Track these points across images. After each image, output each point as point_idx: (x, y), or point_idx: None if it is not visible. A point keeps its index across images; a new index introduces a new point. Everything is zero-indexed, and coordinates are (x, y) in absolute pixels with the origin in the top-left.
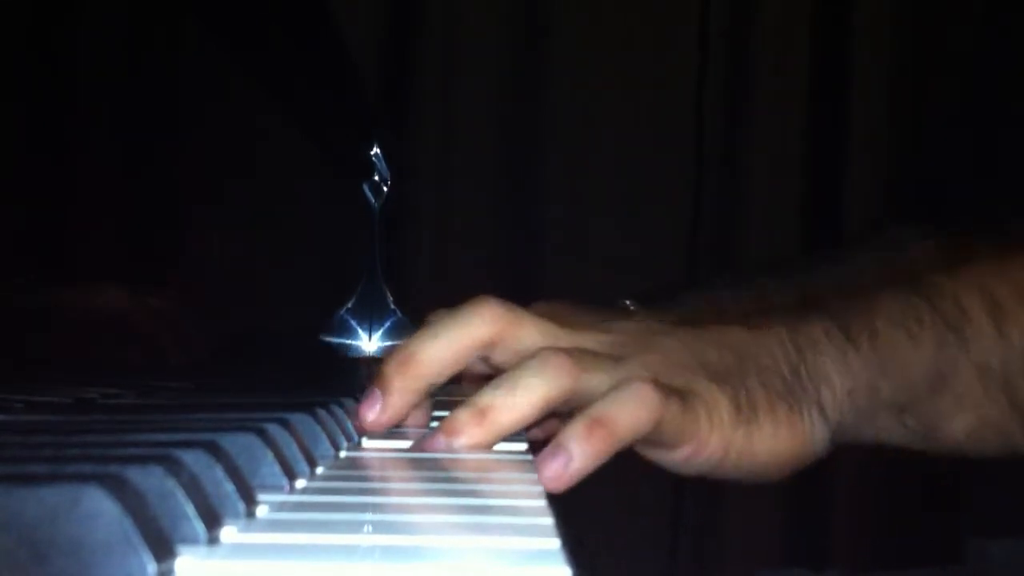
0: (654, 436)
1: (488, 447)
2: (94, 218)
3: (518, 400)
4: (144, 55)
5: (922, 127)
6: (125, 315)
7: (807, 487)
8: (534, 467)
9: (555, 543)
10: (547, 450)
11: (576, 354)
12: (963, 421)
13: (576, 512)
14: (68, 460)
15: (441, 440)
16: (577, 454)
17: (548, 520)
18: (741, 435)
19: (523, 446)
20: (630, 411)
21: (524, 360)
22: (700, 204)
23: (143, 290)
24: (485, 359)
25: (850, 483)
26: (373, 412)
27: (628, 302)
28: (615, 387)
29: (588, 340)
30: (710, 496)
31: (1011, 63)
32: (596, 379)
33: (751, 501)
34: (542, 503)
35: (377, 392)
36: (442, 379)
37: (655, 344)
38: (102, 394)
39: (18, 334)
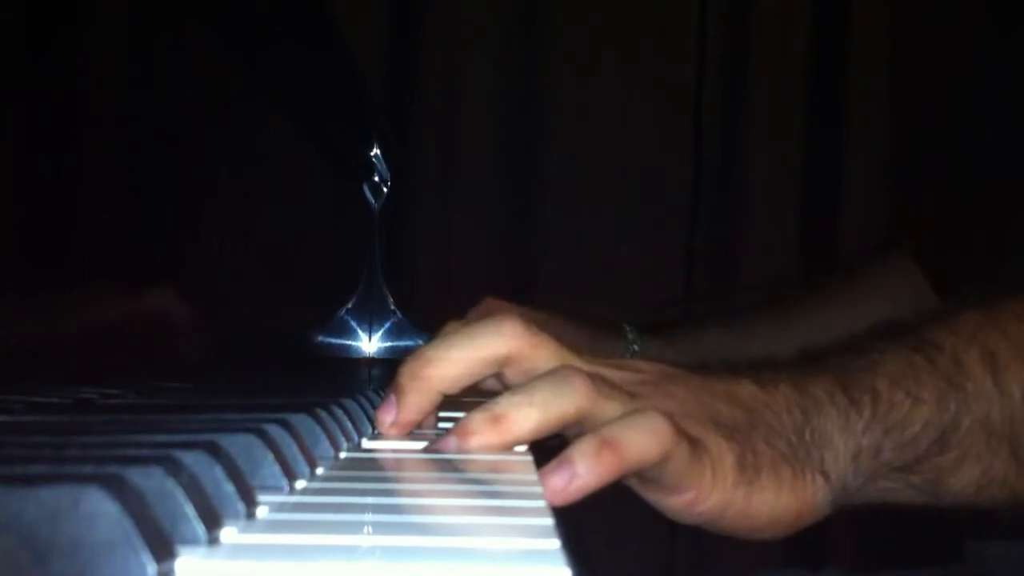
0: (657, 474)
1: (496, 452)
2: (95, 218)
3: (534, 412)
4: (147, 56)
5: (921, 127)
6: (125, 315)
7: None
8: (534, 469)
9: (555, 543)
10: (553, 463)
11: (595, 378)
12: (968, 476)
13: (576, 512)
14: (68, 461)
15: (453, 442)
16: (582, 472)
17: (548, 521)
18: (742, 494)
19: (523, 447)
20: (642, 439)
21: (545, 374)
22: (698, 204)
23: (143, 290)
24: (498, 375)
25: None
26: (389, 418)
27: (627, 327)
28: (630, 413)
29: (605, 371)
30: None
31: (1011, 63)
32: (611, 407)
33: None
34: (542, 504)
35: (393, 399)
36: (455, 391)
37: (669, 390)
38: (102, 395)
39: (18, 334)
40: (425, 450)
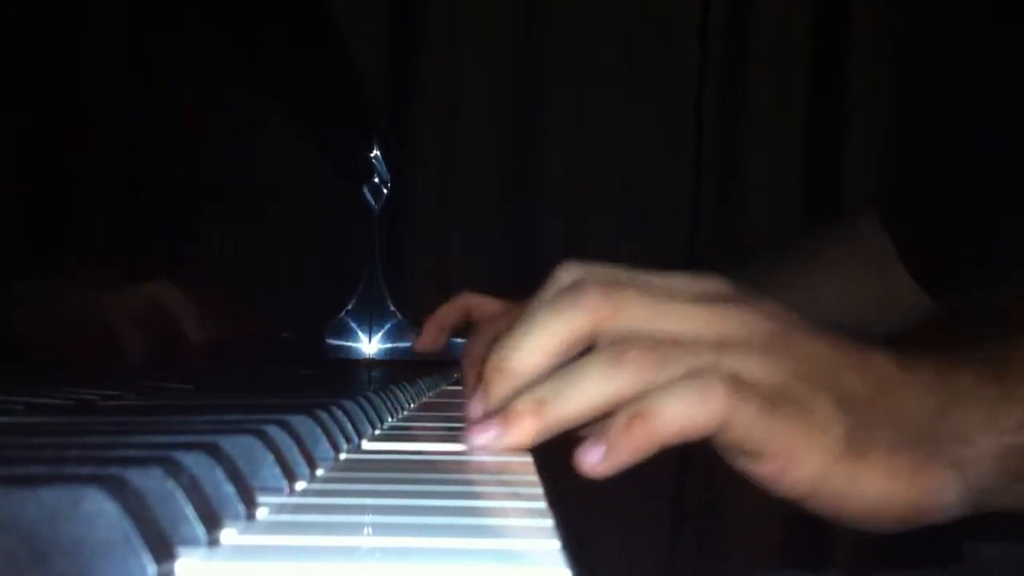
0: (727, 442)
1: (540, 437)
2: (95, 219)
3: (579, 398)
4: (147, 56)
5: (921, 127)
6: (126, 316)
7: None
8: (534, 469)
9: (555, 544)
10: (591, 438)
11: (662, 347)
12: None
13: (577, 513)
14: (68, 461)
15: (494, 428)
16: (614, 447)
17: (548, 521)
18: (844, 471)
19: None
20: (683, 409)
21: (597, 350)
22: (699, 204)
23: (144, 290)
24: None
25: None
26: (479, 412)
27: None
28: (682, 378)
29: (711, 322)
30: (711, 497)
31: (1011, 62)
32: (679, 368)
33: (752, 502)
34: (542, 504)
35: (481, 392)
36: (543, 373)
37: (794, 342)
38: (102, 396)
39: (18, 335)
40: (462, 438)
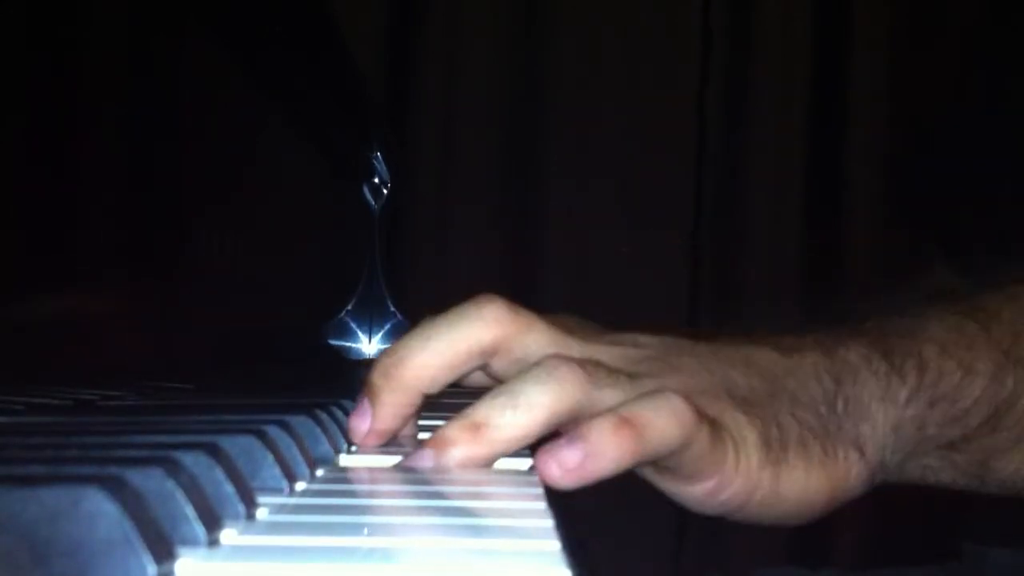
0: (676, 462)
1: (481, 466)
2: (94, 219)
3: (519, 416)
4: (147, 56)
5: (923, 126)
6: (125, 316)
7: None
8: (534, 469)
9: (555, 545)
10: (562, 439)
11: (588, 366)
12: (1020, 460)
13: (577, 513)
14: (68, 461)
15: (429, 456)
16: (598, 450)
17: (548, 522)
18: (768, 476)
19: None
20: (663, 421)
21: (528, 368)
22: (701, 204)
23: (143, 291)
24: (485, 367)
25: None
26: (363, 426)
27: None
28: (645, 394)
29: (602, 352)
30: None
31: (1011, 61)
32: (609, 396)
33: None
34: (542, 505)
35: (366, 403)
36: (435, 389)
37: (676, 363)
38: (102, 396)
39: (18, 335)
40: (399, 466)
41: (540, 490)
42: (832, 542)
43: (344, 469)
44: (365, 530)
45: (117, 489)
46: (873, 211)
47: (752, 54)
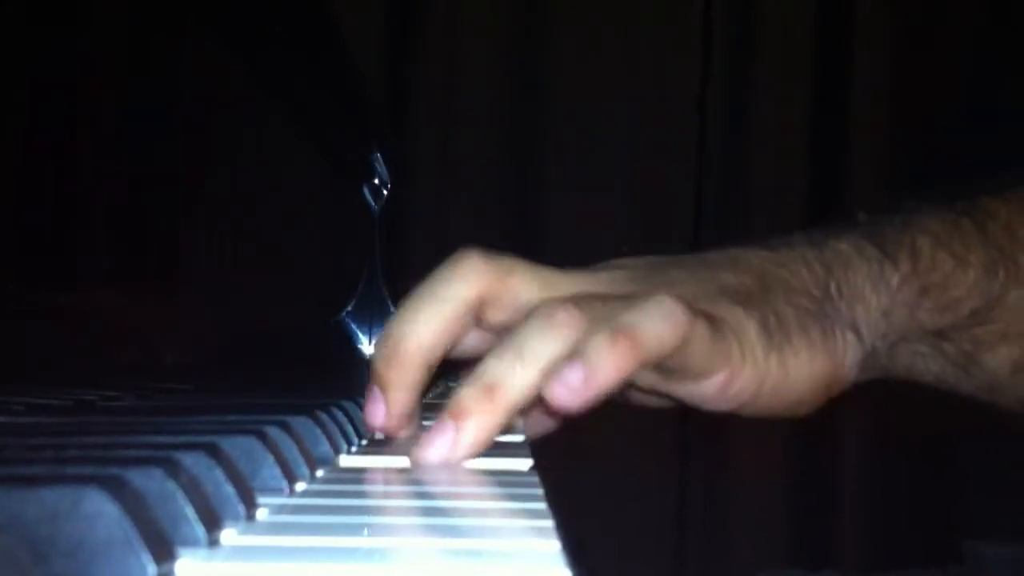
0: (680, 362)
1: (501, 427)
2: (95, 218)
3: (528, 370)
4: (147, 56)
5: (924, 126)
6: (125, 316)
7: (810, 488)
8: (534, 469)
9: (555, 545)
10: (564, 362)
11: (582, 301)
12: (1007, 354)
13: (577, 513)
14: (68, 462)
15: (450, 427)
16: (599, 365)
17: (548, 522)
18: (775, 362)
19: (520, 438)
20: (657, 325)
21: (525, 319)
22: (701, 204)
23: (143, 290)
24: (479, 322)
25: (852, 485)
26: (379, 414)
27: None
28: (634, 303)
29: (590, 283)
30: (714, 497)
31: (1011, 60)
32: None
33: (755, 502)
34: (542, 505)
35: (376, 391)
36: (440, 356)
37: (664, 278)
38: (102, 396)
39: (18, 335)
40: (421, 442)
41: (540, 490)
42: (833, 542)
43: (344, 469)
44: (365, 530)
45: (117, 489)
46: (875, 211)
47: (753, 54)
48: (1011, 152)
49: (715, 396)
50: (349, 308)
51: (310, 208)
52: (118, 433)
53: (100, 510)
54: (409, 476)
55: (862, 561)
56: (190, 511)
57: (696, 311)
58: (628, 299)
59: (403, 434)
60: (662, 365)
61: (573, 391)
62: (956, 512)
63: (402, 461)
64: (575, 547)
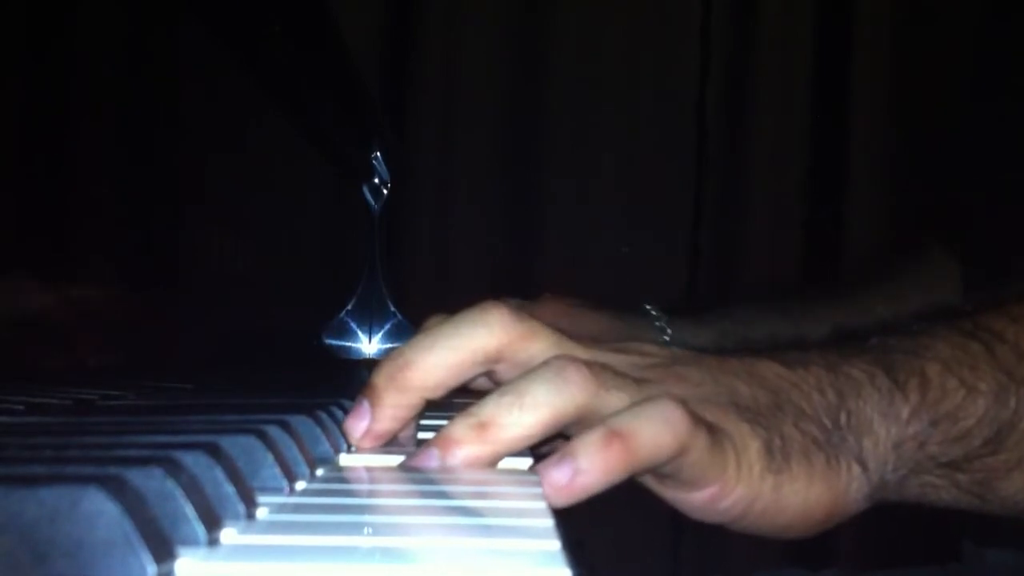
0: (675, 469)
1: (487, 465)
2: (95, 219)
3: (525, 415)
4: (146, 56)
5: (924, 126)
6: (125, 316)
7: None
8: (535, 470)
9: (555, 545)
10: (553, 458)
11: (596, 367)
12: (1021, 482)
13: (577, 513)
14: (68, 461)
15: (434, 455)
16: (587, 467)
17: (548, 522)
18: (770, 485)
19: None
20: (655, 430)
21: (535, 368)
22: (701, 204)
23: (143, 290)
24: (489, 373)
25: None
26: (361, 427)
27: (649, 307)
28: (638, 403)
29: (608, 358)
30: None
31: (1013, 60)
32: (615, 398)
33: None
34: (542, 505)
35: (366, 404)
36: (438, 393)
37: (681, 372)
38: (102, 396)
39: (18, 335)
40: (403, 466)
41: (540, 490)
42: (832, 542)
43: (344, 469)
44: (366, 530)
45: (117, 489)
46: (874, 211)
47: (753, 54)
48: (1011, 152)
49: (702, 507)
50: (349, 307)
51: (310, 208)
52: (118, 433)
53: (100, 510)
54: (408, 476)
55: (862, 561)
56: (190, 510)
57: (699, 420)
58: (639, 384)
59: (403, 436)
60: (656, 469)
61: (558, 490)
62: (956, 512)
63: (402, 462)
64: (575, 547)
